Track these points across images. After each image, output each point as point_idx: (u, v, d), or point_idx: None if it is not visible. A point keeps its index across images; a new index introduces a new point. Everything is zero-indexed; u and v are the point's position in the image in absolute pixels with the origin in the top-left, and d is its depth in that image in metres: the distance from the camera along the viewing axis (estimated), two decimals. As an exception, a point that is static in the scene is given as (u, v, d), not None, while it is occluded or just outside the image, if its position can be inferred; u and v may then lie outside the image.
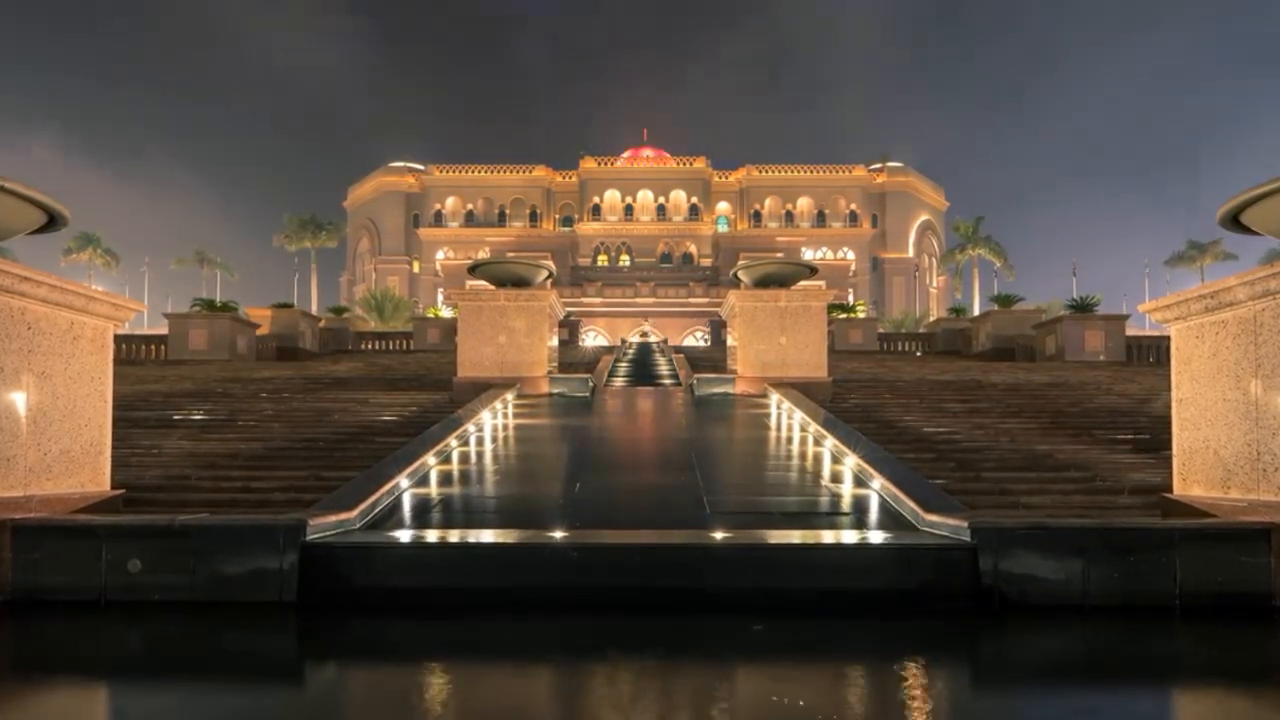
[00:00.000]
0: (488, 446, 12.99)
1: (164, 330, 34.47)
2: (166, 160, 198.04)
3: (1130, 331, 33.72)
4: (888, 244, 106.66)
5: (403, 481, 9.25)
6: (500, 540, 6.99)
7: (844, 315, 45.64)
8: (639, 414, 18.25)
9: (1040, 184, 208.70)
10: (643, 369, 29.58)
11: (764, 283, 20.38)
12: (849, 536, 7.57)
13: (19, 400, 7.53)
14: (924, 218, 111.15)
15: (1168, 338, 8.81)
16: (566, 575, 6.18)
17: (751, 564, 6.33)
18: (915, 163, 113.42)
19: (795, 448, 13.05)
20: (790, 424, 14.58)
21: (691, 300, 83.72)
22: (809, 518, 9.16)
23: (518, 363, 19.01)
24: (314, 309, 73.19)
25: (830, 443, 11.95)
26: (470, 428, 13.09)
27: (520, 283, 20.04)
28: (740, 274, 21.23)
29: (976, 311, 59.07)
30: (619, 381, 25.42)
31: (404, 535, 7.40)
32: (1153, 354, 31.71)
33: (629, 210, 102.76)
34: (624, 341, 51.92)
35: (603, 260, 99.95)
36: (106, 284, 71.45)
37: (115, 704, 4.56)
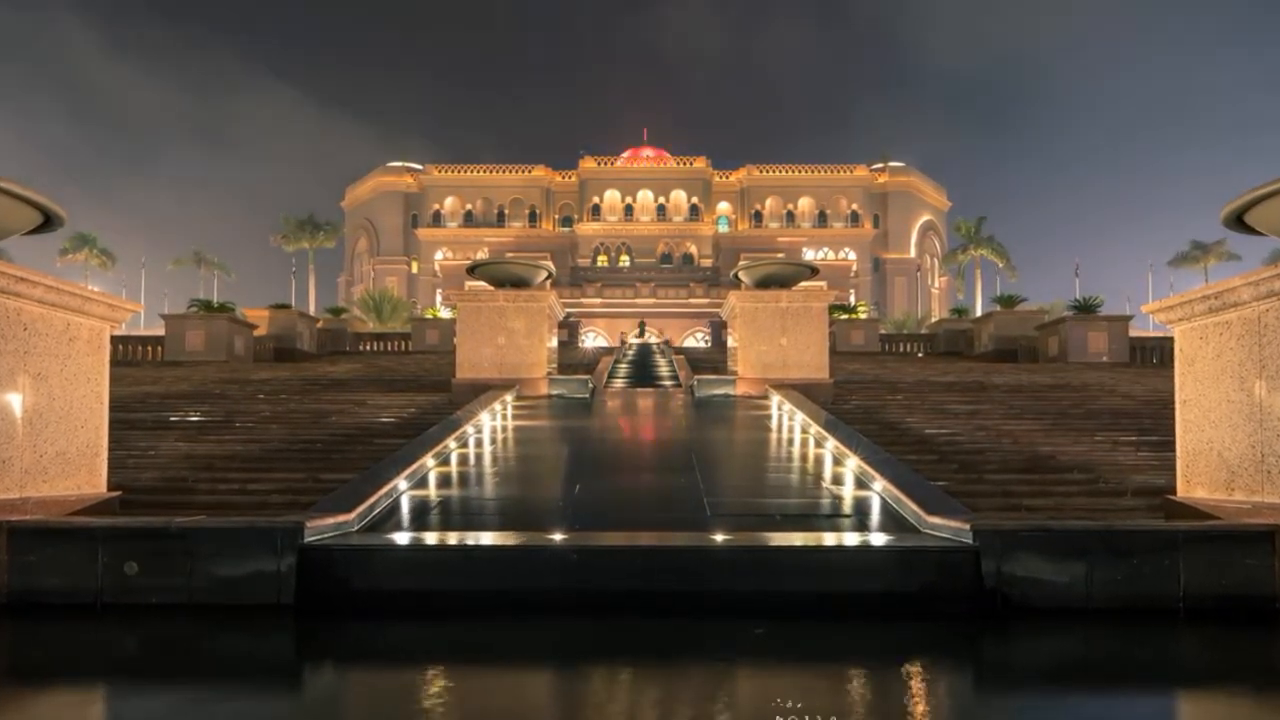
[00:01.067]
0: (486, 448, 12.95)
1: (161, 331, 34.39)
2: (162, 158, 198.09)
3: (1134, 332, 33.68)
4: (889, 244, 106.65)
5: (401, 483, 9.21)
6: (499, 543, 6.95)
7: (845, 316, 45.63)
8: (639, 415, 18.20)
9: (1043, 184, 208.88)
10: (643, 370, 29.54)
11: (765, 283, 20.33)
12: (850, 539, 7.54)
13: (15, 402, 7.49)
14: (926, 218, 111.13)
15: (1171, 339, 8.77)
16: (566, 578, 6.13)
17: (753, 567, 6.29)
18: (917, 162, 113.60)
19: (796, 450, 13.01)
20: (791, 425, 14.54)
21: (692, 301, 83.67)
22: (810, 520, 9.11)
23: (517, 364, 18.97)
24: (312, 310, 73.07)
25: (831, 444, 11.91)
26: (469, 429, 13.05)
27: (519, 283, 20.00)
28: (741, 274, 21.19)
29: (979, 312, 58.97)
30: (619, 383, 25.39)
31: (402, 538, 7.36)
32: (1156, 355, 31.66)
33: (629, 210, 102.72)
34: (623, 341, 51.87)
35: (602, 261, 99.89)
36: (103, 284, 71.45)
37: (112, 708, 4.52)
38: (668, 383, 25.24)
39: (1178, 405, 8.53)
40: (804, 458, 12.38)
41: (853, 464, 10.55)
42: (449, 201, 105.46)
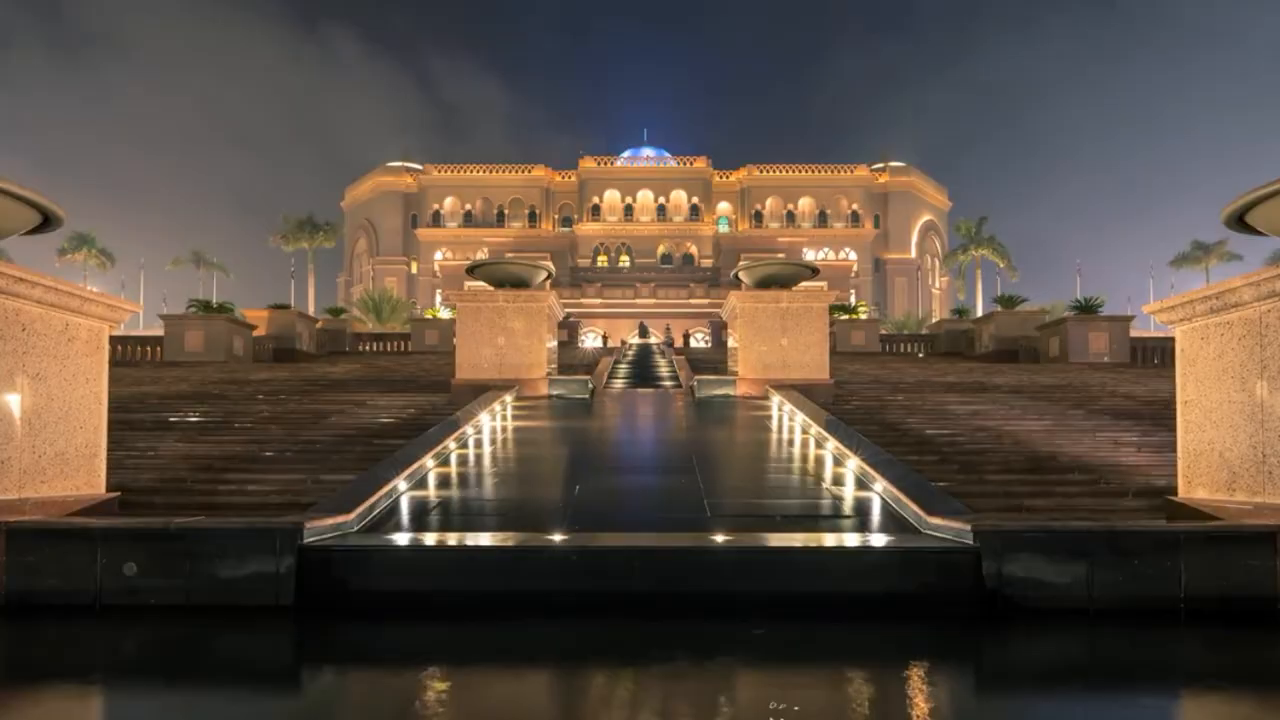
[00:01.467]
0: (486, 449, 12.93)
1: (160, 331, 34.37)
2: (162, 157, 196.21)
3: (1135, 333, 33.66)
4: (890, 244, 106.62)
5: (400, 484, 9.19)
6: (499, 543, 6.94)
7: (846, 316, 45.63)
8: (639, 416, 18.18)
9: (1044, 183, 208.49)
10: (643, 371, 29.53)
11: (765, 283, 20.32)
12: (851, 540, 7.53)
13: (13, 402, 7.48)
14: (927, 218, 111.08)
15: (1173, 339, 8.76)
16: (566, 578, 6.12)
17: (753, 567, 6.28)
18: (918, 162, 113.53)
19: (796, 450, 12.99)
20: (791, 426, 14.52)
21: (692, 301, 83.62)
22: (811, 521, 9.10)
23: (516, 364, 18.96)
24: (311, 310, 73.08)
25: (832, 445, 11.89)
26: (469, 430, 13.03)
27: (519, 284, 19.98)
28: (741, 275, 21.18)
29: (980, 313, 59.02)
30: (619, 384, 25.38)
31: (402, 538, 7.35)
32: (1157, 356, 31.64)
33: (629, 210, 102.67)
34: (624, 343, 51.87)
35: (602, 261, 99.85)
36: (101, 285, 71.39)
37: (111, 709, 4.52)
38: (668, 383, 25.23)
39: (1179, 406, 8.52)
40: (804, 458, 12.36)
41: (853, 465, 10.53)
42: (448, 201, 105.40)
